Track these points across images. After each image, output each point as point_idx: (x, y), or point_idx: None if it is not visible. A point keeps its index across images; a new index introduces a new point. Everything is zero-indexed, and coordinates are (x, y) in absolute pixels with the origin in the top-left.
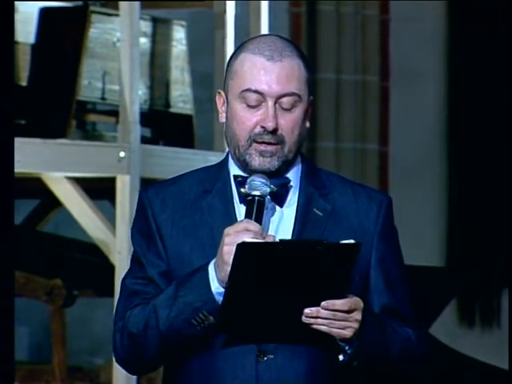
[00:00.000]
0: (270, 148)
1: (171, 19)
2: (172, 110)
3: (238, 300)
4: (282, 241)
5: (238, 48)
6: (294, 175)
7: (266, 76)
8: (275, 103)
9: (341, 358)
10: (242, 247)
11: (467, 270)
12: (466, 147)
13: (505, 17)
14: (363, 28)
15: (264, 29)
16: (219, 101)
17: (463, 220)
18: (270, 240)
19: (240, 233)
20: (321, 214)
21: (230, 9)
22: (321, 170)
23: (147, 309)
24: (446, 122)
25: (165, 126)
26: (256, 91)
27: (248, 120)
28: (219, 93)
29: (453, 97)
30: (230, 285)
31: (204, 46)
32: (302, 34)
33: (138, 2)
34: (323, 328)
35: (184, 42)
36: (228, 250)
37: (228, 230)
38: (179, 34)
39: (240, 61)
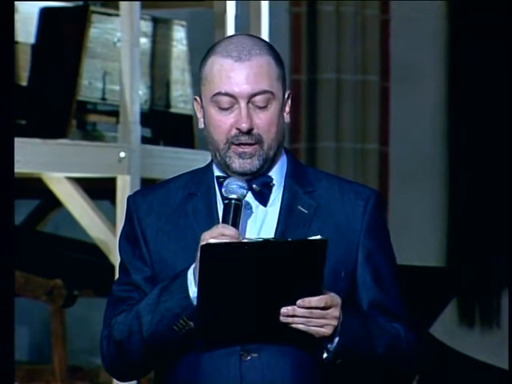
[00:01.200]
0: (248, 149)
1: (171, 19)
2: (172, 110)
3: (212, 302)
4: (246, 241)
5: (207, 52)
6: (278, 174)
7: (235, 77)
8: (248, 103)
9: (324, 355)
10: (206, 249)
11: (467, 269)
12: (466, 147)
13: (505, 17)
14: (363, 28)
15: (264, 29)
16: (197, 107)
17: (463, 220)
18: None
19: (216, 238)
20: (306, 212)
21: (231, 9)
22: (307, 167)
23: (130, 315)
24: (446, 122)
25: (165, 126)
26: (226, 94)
27: (223, 123)
28: (195, 99)
29: (453, 96)
30: (201, 287)
31: (204, 45)
32: (302, 34)
33: (138, 2)
34: (301, 327)
35: (184, 42)
36: None
37: (204, 236)
38: (179, 34)
39: (209, 65)
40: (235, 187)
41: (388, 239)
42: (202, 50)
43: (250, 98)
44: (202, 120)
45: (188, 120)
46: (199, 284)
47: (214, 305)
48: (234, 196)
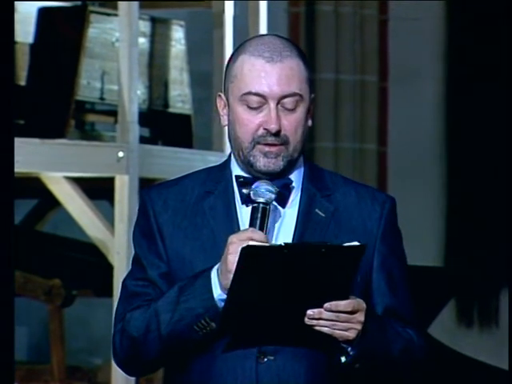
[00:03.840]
0: (274, 149)
1: (170, 19)
2: (171, 109)
3: (240, 303)
4: (286, 244)
5: (237, 50)
6: (296, 176)
7: (266, 78)
8: (277, 104)
9: (343, 359)
10: (247, 251)
11: (465, 269)
12: (464, 147)
13: (503, 16)
14: (362, 28)
15: (262, 29)
16: (220, 104)
17: (462, 220)
18: None
19: (244, 242)
20: (323, 215)
21: (229, 8)
22: (324, 170)
23: (148, 312)
24: (444, 122)
25: (163, 125)
26: (257, 94)
27: (251, 122)
28: (219, 96)
29: (451, 96)
30: (233, 288)
31: (203, 45)
32: (301, 34)
33: (136, 2)
34: (326, 330)
35: (183, 41)
36: (232, 259)
37: (232, 238)
38: (178, 33)
39: (239, 63)
40: (264, 191)
41: (401, 244)
42: (201, 50)
43: (280, 100)
44: (225, 117)
45: (186, 120)
46: (232, 284)
47: (242, 305)
48: (261, 200)
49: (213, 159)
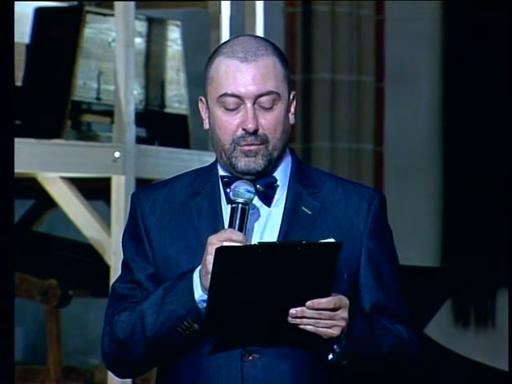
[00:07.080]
0: (253, 148)
1: (166, 19)
2: (167, 110)
3: (222, 305)
4: (261, 243)
5: (213, 53)
6: (282, 174)
7: (241, 78)
8: (254, 104)
9: (330, 357)
10: (221, 252)
11: (462, 270)
12: (460, 147)
13: (500, 16)
14: (358, 28)
15: (259, 29)
16: (202, 107)
17: (458, 220)
18: None
19: (223, 242)
20: (309, 213)
21: (225, 9)
22: (311, 167)
23: (134, 314)
24: (440, 122)
25: (160, 126)
26: (233, 95)
27: (229, 123)
28: (201, 100)
29: (447, 97)
30: (212, 290)
31: (199, 46)
32: (297, 34)
33: (133, 2)
34: (309, 328)
35: (179, 42)
36: (210, 260)
37: (211, 239)
38: (174, 34)
39: (215, 66)
40: (242, 191)
41: (391, 240)
42: (197, 50)
43: (256, 99)
44: (207, 121)
45: (183, 120)
46: (210, 285)
47: (224, 306)
48: (240, 200)
49: (209, 159)
